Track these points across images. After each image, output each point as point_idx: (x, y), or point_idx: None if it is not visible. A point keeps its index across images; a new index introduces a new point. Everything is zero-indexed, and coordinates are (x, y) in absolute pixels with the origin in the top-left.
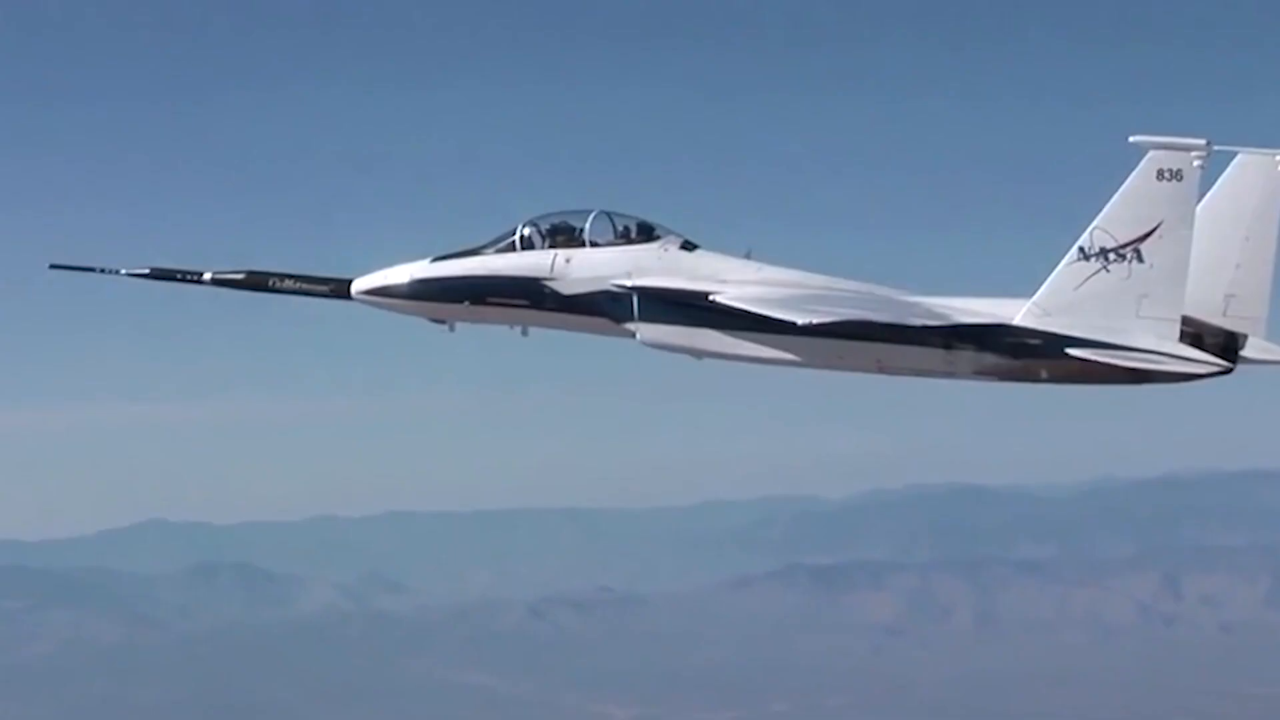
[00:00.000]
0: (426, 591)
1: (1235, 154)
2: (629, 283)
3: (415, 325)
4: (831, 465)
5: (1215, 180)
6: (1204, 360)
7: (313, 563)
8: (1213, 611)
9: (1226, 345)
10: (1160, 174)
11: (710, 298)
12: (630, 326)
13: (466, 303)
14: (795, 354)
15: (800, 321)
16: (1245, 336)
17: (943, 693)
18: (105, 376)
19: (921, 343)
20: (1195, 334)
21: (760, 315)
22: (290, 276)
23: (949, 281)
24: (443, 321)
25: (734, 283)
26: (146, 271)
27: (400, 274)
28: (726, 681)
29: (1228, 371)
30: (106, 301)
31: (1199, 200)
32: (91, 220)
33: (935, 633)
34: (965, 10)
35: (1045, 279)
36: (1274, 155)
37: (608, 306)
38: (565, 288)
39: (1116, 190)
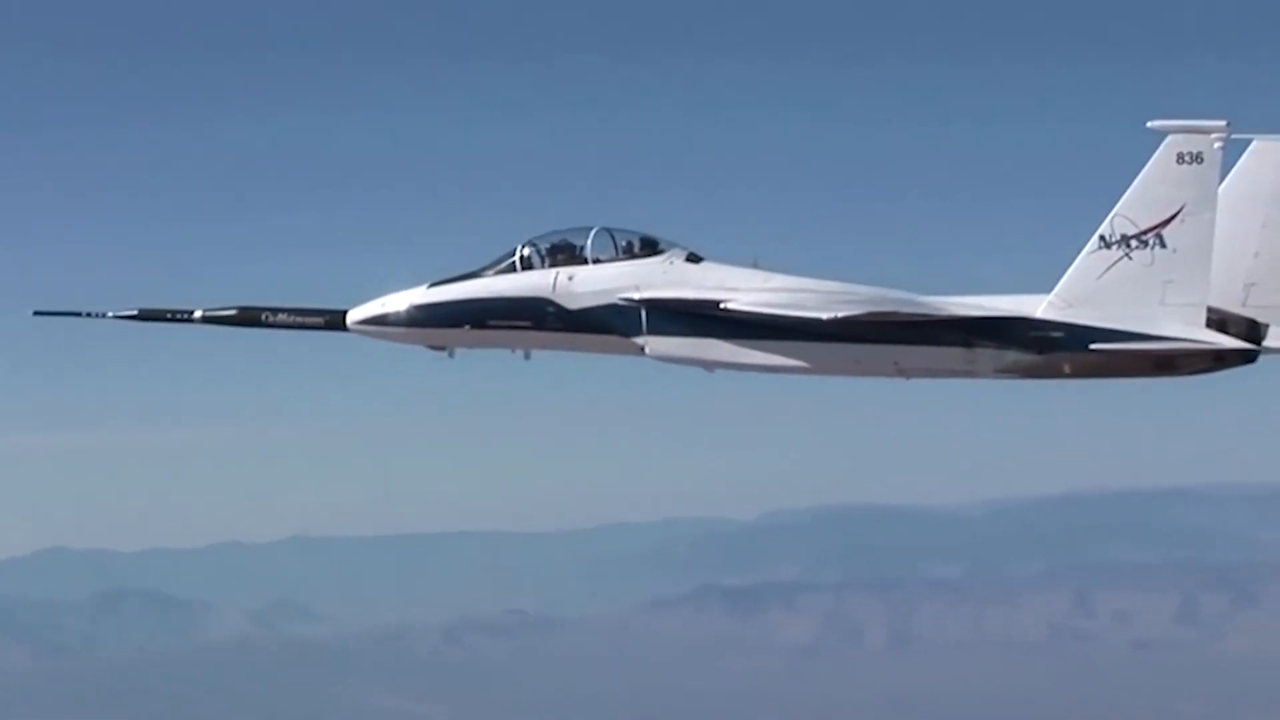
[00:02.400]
0: (338, 617)
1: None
2: (637, 295)
3: (304, 353)
4: (732, 486)
5: (1230, 168)
6: (1230, 343)
7: (220, 589)
8: (1125, 629)
9: (1249, 334)
10: (1180, 157)
11: (722, 305)
12: (638, 341)
13: (467, 327)
14: (810, 360)
15: (825, 316)
16: (1267, 326)
17: (862, 714)
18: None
19: (941, 342)
20: (1219, 322)
21: (774, 322)
22: (283, 310)
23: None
24: (442, 348)
25: (744, 290)
26: (134, 313)
27: (398, 301)
28: (646, 705)
29: (1252, 357)
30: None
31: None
32: (60, 256)
33: (850, 653)
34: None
35: (1063, 273)
36: None
37: (614, 322)
38: (569, 306)
39: (1132, 180)
